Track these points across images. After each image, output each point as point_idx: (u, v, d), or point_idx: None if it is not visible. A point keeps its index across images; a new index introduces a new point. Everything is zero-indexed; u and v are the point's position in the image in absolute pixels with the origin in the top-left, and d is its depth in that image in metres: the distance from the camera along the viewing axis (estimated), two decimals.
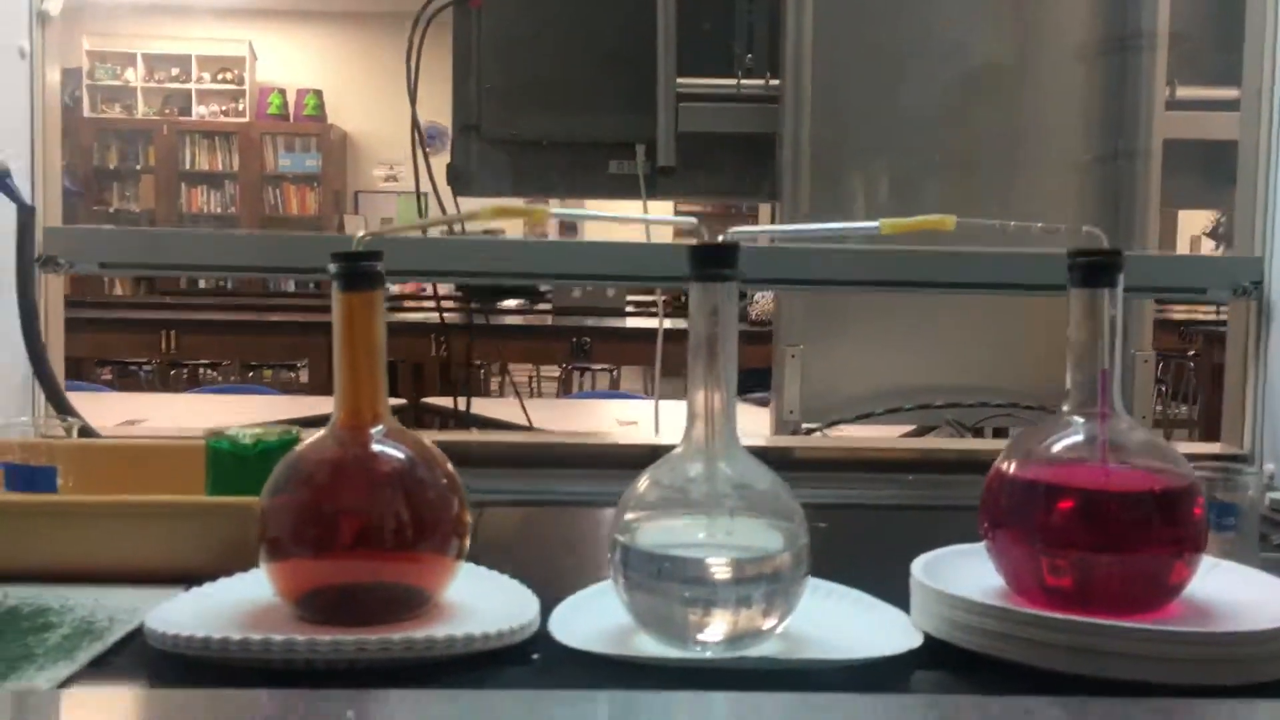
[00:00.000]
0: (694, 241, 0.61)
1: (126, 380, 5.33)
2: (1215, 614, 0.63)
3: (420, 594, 0.64)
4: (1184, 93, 1.52)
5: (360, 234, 0.64)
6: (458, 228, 1.49)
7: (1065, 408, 0.65)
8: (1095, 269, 0.63)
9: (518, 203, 0.68)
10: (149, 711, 0.57)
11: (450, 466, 0.66)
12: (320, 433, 0.65)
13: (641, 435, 1.80)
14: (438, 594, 0.65)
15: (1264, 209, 1.15)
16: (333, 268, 0.63)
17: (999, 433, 1.56)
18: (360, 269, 0.63)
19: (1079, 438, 0.64)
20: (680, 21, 1.47)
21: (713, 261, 0.61)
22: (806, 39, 1.46)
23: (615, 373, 5.10)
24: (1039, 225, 0.64)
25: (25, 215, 1.04)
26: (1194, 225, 5.56)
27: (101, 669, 0.59)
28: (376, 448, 0.64)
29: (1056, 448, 0.64)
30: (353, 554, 0.62)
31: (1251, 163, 1.18)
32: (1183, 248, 5.56)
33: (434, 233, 1.35)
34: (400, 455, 0.64)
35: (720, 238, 0.61)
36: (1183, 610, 0.62)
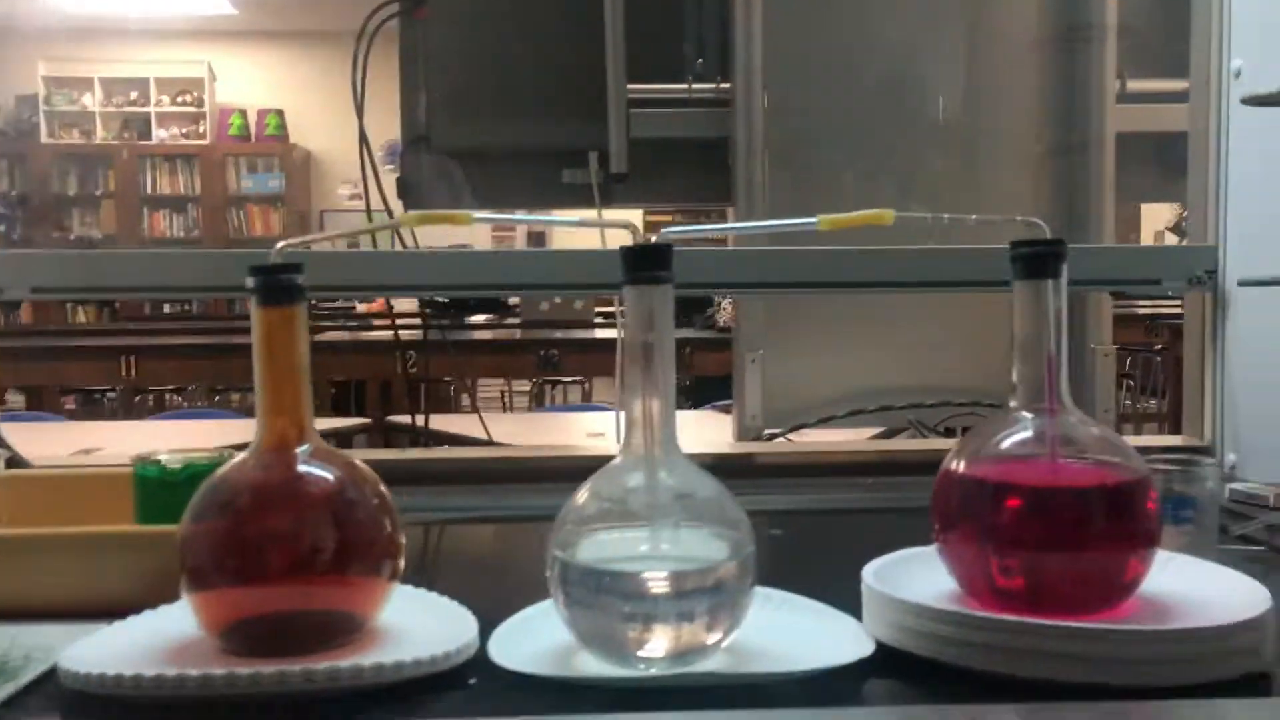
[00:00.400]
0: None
1: (90, 408, 5.25)
2: (1173, 610, 0.61)
3: (352, 619, 0.61)
4: (1135, 85, 1.52)
5: (279, 245, 0.61)
6: (398, 238, 1.46)
7: (1013, 403, 0.63)
8: (1037, 260, 0.61)
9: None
10: None
11: (382, 486, 0.63)
12: (242, 455, 0.62)
13: (607, 446, 1.77)
14: (371, 619, 0.62)
15: (1215, 198, 1.15)
16: (250, 282, 0.60)
17: (965, 432, 1.54)
18: (278, 283, 0.60)
19: (1027, 433, 0.62)
20: (629, 27, 1.45)
21: (646, 263, 0.59)
22: (756, 41, 1.45)
23: (587, 385, 5.07)
24: (973, 218, 0.62)
25: None
26: (1158, 221, 5.59)
27: (13, 710, 0.56)
28: (302, 469, 0.62)
29: (1005, 444, 0.62)
30: (278, 581, 0.59)
31: (1202, 152, 1.17)
32: (1147, 243, 5.60)
33: (385, 246, 1.33)
34: (327, 476, 0.62)
35: (652, 238, 0.59)
36: (1139, 608, 0.61)
